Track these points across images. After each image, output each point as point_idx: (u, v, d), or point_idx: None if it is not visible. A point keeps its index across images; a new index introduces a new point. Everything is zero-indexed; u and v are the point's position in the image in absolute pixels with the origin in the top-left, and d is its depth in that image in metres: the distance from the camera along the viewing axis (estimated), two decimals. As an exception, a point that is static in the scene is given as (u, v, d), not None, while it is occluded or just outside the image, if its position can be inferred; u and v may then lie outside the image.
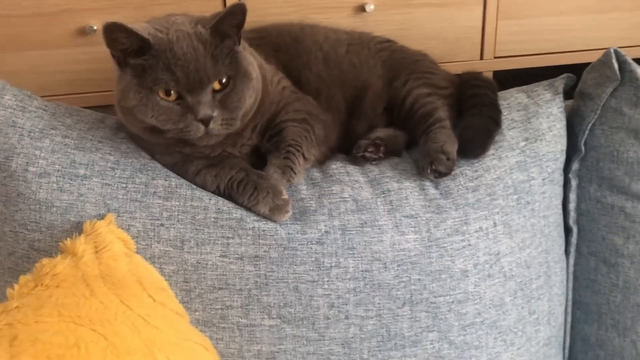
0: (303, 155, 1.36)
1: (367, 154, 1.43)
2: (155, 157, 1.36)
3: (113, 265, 1.13)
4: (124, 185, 1.31)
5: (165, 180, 1.33)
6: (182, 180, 1.34)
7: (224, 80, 1.25)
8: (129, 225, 1.29)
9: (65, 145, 1.32)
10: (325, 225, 1.26)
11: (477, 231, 1.31)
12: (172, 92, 1.22)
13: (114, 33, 1.19)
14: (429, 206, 1.38)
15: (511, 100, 1.56)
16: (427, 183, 1.41)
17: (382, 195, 1.38)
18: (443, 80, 1.57)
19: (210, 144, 1.30)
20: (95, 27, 1.77)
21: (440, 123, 1.45)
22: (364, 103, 1.51)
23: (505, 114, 1.52)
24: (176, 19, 1.28)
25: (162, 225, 1.24)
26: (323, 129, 1.42)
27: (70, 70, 1.83)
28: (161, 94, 1.22)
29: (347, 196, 1.37)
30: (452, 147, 1.41)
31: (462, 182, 1.42)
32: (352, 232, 1.27)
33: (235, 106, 1.26)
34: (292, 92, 1.44)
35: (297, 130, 1.37)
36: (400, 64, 1.58)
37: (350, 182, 1.39)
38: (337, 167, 1.43)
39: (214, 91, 1.24)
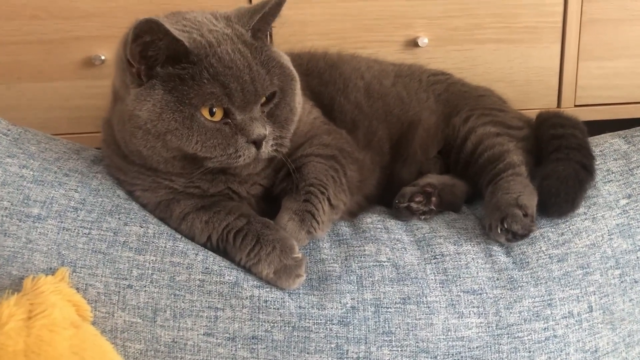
0: (329, 200, 1.00)
1: (413, 205, 1.05)
2: (135, 194, 1.02)
3: (47, 339, 0.80)
4: (86, 231, 0.97)
5: (141, 227, 0.98)
6: (164, 227, 0.99)
7: (270, 92, 0.96)
8: (86, 284, 0.94)
9: (20, 177, 1.00)
10: (352, 299, 0.91)
11: (565, 317, 0.99)
12: (216, 109, 0.92)
13: (147, 35, 0.88)
14: (498, 279, 0.98)
15: (605, 147, 1.17)
16: (496, 247, 1.02)
17: (434, 261, 0.99)
18: (515, 119, 1.20)
19: (255, 172, 1.00)
20: (103, 57, 1.49)
21: (513, 169, 1.07)
22: (412, 143, 1.15)
23: (598, 162, 1.13)
24: (195, 16, 0.98)
25: (130, 286, 0.90)
26: (358, 170, 1.06)
27: (72, 106, 1.55)
28: (205, 113, 0.91)
29: (385, 260, 0.98)
30: (531, 201, 1.02)
31: (543, 249, 1.02)
32: (389, 309, 0.96)
33: (286, 119, 0.98)
34: (323, 122, 1.10)
35: (322, 167, 1.01)
36: (459, 98, 1.22)
37: (390, 241, 1.01)
38: (372, 220, 1.06)
39: (261, 105, 0.96)
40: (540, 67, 1.58)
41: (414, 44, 1.52)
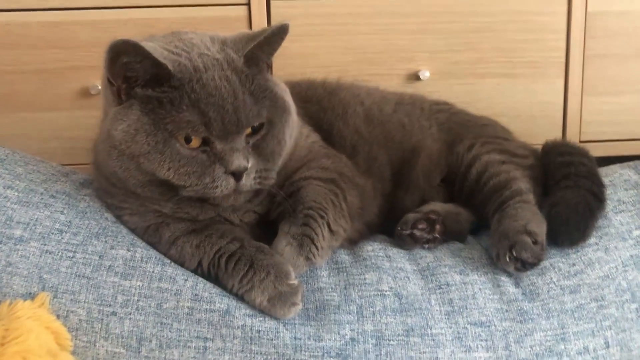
0: (328, 225, 0.94)
1: (416, 232, 0.99)
2: (123, 218, 0.96)
3: (20, 368, 0.69)
4: (70, 254, 0.91)
5: (128, 251, 0.92)
6: (152, 252, 0.93)
7: (256, 125, 0.90)
8: (68, 311, 0.88)
9: (4, 197, 0.95)
10: (351, 330, 0.85)
11: (580, 352, 0.95)
12: (193, 137, 0.87)
13: (124, 56, 0.85)
14: (507, 310, 0.92)
15: (614, 177, 1.12)
16: (504, 277, 0.96)
17: (439, 291, 0.93)
18: (520, 148, 1.16)
19: (237, 204, 0.94)
20: (100, 87, 1.45)
21: (520, 196, 1.02)
22: (414, 169, 1.10)
23: (609, 192, 1.07)
24: (191, 37, 0.94)
25: (114, 314, 0.83)
26: (358, 196, 1.01)
27: (68, 136, 1.51)
28: (181, 140, 0.86)
29: (387, 289, 0.92)
30: (540, 228, 0.97)
31: (554, 279, 0.96)
32: (391, 342, 0.90)
33: (272, 152, 0.92)
34: (321, 147, 1.05)
35: (321, 190, 0.96)
36: (462, 127, 1.18)
37: (392, 269, 0.95)
38: (374, 249, 0.99)
39: (246, 136, 0.90)
40: (544, 102, 1.54)
41: (415, 77, 1.49)
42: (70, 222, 0.94)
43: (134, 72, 0.86)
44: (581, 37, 1.50)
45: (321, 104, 1.14)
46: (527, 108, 1.54)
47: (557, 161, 1.10)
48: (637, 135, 1.56)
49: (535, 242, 0.94)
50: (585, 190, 1.03)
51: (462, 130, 1.17)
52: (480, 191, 1.06)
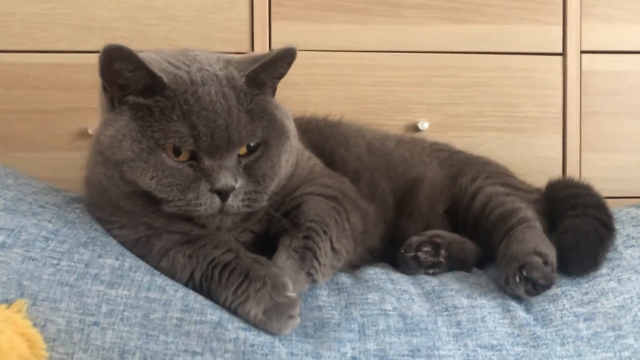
0: (331, 241, 0.89)
1: (421, 255, 0.94)
2: (113, 232, 0.90)
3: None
4: (55, 261, 0.84)
5: (117, 260, 0.85)
6: (141, 263, 0.86)
7: (252, 144, 0.86)
8: (46, 319, 0.80)
9: (-10, 205, 0.89)
10: (352, 348, 0.79)
11: None
12: (182, 150, 0.83)
13: (116, 62, 0.82)
14: (519, 335, 0.85)
15: (621, 215, 1.09)
16: (514, 303, 0.90)
17: (445, 313, 0.86)
18: (523, 184, 1.13)
19: (224, 227, 0.88)
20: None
21: (527, 223, 0.98)
22: (417, 197, 1.06)
23: (617, 227, 1.02)
24: (197, 54, 0.92)
25: (96, 324, 0.77)
26: (361, 219, 0.96)
27: (64, 177, 1.42)
28: (169, 151, 0.83)
29: (390, 309, 0.85)
30: (550, 250, 0.91)
31: (567, 306, 0.90)
32: None
33: (265, 174, 0.87)
34: (323, 169, 1.02)
35: (324, 206, 0.91)
36: (464, 163, 1.16)
37: (396, 291, 0.89)
38: (376, 272, 0.94)
39: (239, 155, 0.85)
40: (543, 157, 1.53)
41: (414, 127, 1.49)
42: (57, 230, 0.88)
43: (126, 80, 0.83)
44: (577, 94, 1.51)
45: (323, 133, 1.12)
46: (526, 162, 1.52)
47: (562, 194, 1.07)
48: (636, 192, 1.54)
49: (545, 263, 0.88)
50: (593, 218, 0.99)
51: (464, 166, 1.14)
52: (485, 220, 1.02)
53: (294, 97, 1.43)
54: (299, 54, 1.49)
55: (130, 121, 0.83)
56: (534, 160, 1.52)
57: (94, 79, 1.47)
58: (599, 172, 1.52)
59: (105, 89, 0.87)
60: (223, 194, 0.83)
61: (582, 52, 1.50)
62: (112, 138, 0.84)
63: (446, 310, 0.87)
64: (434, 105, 1.50)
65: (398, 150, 1.14)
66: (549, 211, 1.07)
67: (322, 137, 1.11)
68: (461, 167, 1.14)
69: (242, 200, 0.84)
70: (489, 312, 0.87)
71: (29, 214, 0.90)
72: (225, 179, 0.82)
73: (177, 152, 0.83)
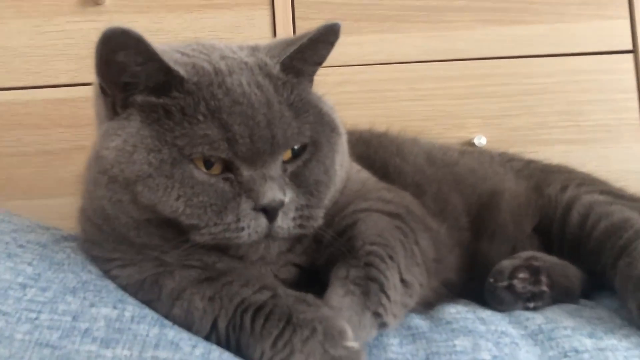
0: (399, 271, 0.65)
1: (517, 284, 0.70)
2: (112, 273, 0.69)
3: None
4: (33, 315, 0.63)
5: (114, 309, 0.63)
6: (147, 311, 0.64)
7: (297, 147, 0.66)
8: (17, 396, 0.57)
9: (-46, 248, 0.68)
10: None
11: None
12: (214, 160, 0.63)
13: (121, 53, 0.62)
14: (673, 384, 0.59)
15: None
16: (655, 341, 0.64)
17: (564, 360, 0.61)
18: (622, 190, 0.89)
19: (269, 257, 0.67)
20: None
21: (648, 235, 0.73)
22: (499, 213, 0.84)
23: None
24: (214, 43, 0.73)
25: None
26: (432, 243, 0.73)
27: (69, 226, 1.26)
28: (199, 163, 0.63)
29: (489, 358, 0.61)
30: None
31: None
32: None
33: (318, 182, 0.67)
34: (377, 182, 0.80)
35: (385, 225, 0.69)
36: (545, 172, 0.94)
37: (491, 334, 0.65)
38: (458, 310, 0.70)
39: (283, 161, 0.66)
40: (621, 170, 1.29)
41: (470, 145, 1.27)
42: (39, 275, 0.67)
43: (133, 77, 0.64)
44: (655, 96, 1.29)
45: (370, 144, 0.91)
46: (602, 177, 1.28)
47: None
48: None
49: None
50: None
51: (546, 175, 0.92)
52: (588, 237, 0.78)
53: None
54: (330, 71, 1.32)
55: (142, 127, 0.63)
56: (613, 174, 1.26)
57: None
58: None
59: (103, 91, 0.67)
60: (270, 212, 0.62)
61: (656, 46, 1.29)
62: (119, 151, 0.63)
63: (565, 356, 0.62)
64: (489, 118, 1.30)
65: (463, 160, 0.93)
66: None
67: (369, 147, 0.90)
68: (543, 176, 0.91)
69: (294, 218, 0.64)
70: (625, 356, 0.62)
71: (4, 255, 0.69)
72: (272, 192, 0.62)
73: (208, 164, 0.63)
